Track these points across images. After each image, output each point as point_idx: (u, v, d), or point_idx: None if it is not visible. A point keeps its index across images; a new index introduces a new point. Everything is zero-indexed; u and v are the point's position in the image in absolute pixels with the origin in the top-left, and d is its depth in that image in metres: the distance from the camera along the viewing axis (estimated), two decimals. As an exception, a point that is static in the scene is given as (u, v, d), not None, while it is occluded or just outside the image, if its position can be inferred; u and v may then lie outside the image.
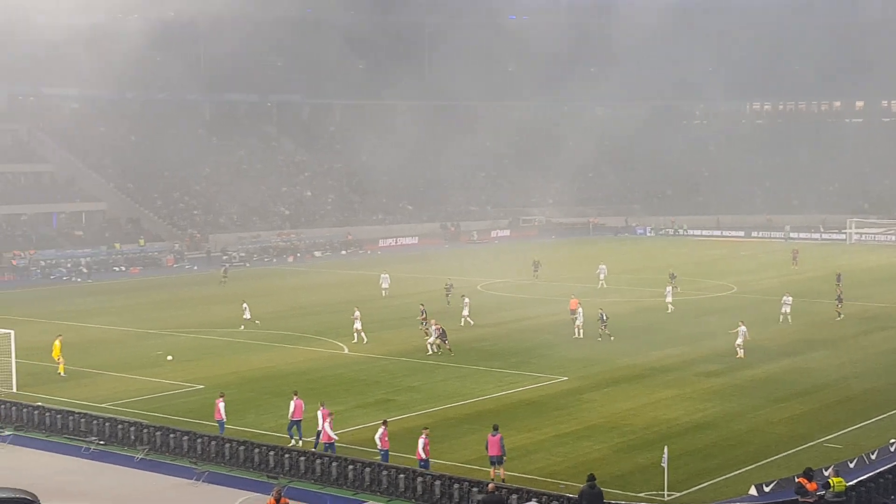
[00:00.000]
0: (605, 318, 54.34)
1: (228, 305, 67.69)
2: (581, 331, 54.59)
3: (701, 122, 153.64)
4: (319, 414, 34.13)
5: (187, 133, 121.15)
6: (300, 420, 35.15)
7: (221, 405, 35.81)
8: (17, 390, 42.42)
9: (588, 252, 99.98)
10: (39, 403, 38.86)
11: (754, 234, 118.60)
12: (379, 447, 32.05)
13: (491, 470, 31.17)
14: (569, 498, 28.11)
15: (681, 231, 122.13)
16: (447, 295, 65.19)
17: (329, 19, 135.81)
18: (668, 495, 29.98)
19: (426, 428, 32.59)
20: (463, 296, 61.04)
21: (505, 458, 31.34)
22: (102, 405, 40.29)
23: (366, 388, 43.65)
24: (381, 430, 32.28)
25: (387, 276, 72.05)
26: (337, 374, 46.37)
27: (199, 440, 33.88)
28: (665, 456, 29.83)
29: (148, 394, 42.36)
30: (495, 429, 31.69)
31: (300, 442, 34.66)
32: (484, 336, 55.36)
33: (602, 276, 74.65)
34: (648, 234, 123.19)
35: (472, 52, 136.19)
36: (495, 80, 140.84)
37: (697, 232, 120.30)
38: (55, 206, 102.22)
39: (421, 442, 31.29)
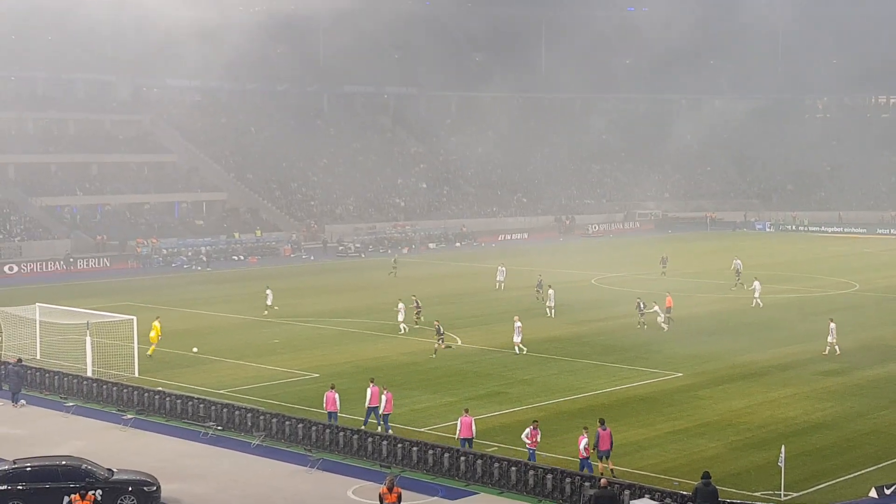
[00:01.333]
0: (643, 307, 55.36)
1: (345, 294, 68.43)
2: (666, 325, 54.51)
3: (823, 115, 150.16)
4: (369, 392, 35.30)
5: (306, 124, 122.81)
6: (377, 407, 35.38)
7: (334, 396, 36.07)
8: (139, 375, 43.46)
9: (709, 247, 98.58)
10: (160, 388, 39.75)
11: (879, 230, 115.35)
12: (528, 445, 31.82)
13: (599, 464, 30.95)
14: (682, 495, 27.74)
15: (801, 227, 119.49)
16: (538, 291, 64.11)
17: (445, 13, 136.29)
18: (785, 495, 29.40)
19: (536, 420, 32.68)
20: (549, 286, 60.86)
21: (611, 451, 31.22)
22: (220, 391, 41.04)
23: (478, 380, 43.67)
24: (528, 429, 31.99)
25: (503, 268, 71.81)
26: (449, 366, 46.48)
27: (313, 428, 34.29)
28: (782, 455, 29.27)
29: (264, 381, 43.02)
30: (602, 423, 31.44)
31: (389, 430, 34.76)
32: (598, 330, 54.95)
33: (738, 271, 72.35)
34: (768, 230, 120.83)
35: (589, 44, 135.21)
36: (611, 72, 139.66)
37: (819, 228, 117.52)
38: (177, 196, 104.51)
39: (527, 431, 31.62)
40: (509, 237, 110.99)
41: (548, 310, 59.03)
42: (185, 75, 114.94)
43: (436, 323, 50.39)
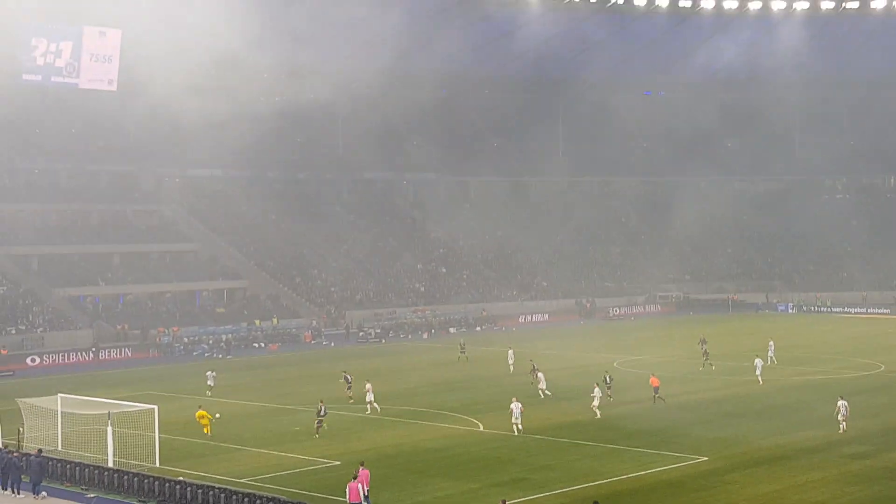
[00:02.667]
0: (609, 380, 57.58)
1: (362, 381, 68.16)
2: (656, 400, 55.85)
3: (843, 196, 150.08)
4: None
5: (325, 211, 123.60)
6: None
7: (357, 487, 35.73)
8: (160, 465, 43.23)
9: (730, 328, 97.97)
10: (181, 478, 39.50)
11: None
12: None
13: None
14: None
15: (824, 308, 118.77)
16: (608, 387, 59.73)
17: (464, 99, 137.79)
18: (816, 582, 28.85)
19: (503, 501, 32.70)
20: (538, 371, 61.23)
21: None
22: (241, 480, 40.73)
23: (501, 466, 43.24)
24: None
25: (512, 351, 71.75)
26: (472, 452, 46.09)
27: (335, 517, 33.95)
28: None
29: (285, 469, 42.68)
30: None
31: None
32: (622, 414, 54.45)
33: (771, 353, 72.51)
34: (790, 311, 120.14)
35: (607, 128, 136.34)
36: (630, 155, 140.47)
37: (842, 308, 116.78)
38: (198, 284, 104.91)
39: None
40: (530, 321, 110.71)
41: (541, 392, 58.87)
42: (205, 165, 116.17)
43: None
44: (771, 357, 72.28)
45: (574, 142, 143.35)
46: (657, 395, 56.53)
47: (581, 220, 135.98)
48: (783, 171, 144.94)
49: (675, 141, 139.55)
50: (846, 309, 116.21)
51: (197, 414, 49.88)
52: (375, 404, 55.94)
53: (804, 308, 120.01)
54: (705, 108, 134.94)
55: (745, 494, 38.23)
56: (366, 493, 35.90)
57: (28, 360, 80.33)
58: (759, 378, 63.99)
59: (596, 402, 53.68)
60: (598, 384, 55.14)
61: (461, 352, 78.24)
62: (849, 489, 38.91)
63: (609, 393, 56.80)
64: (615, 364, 73.46)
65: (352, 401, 57.57)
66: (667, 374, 68.94)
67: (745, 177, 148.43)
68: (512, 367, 69.96)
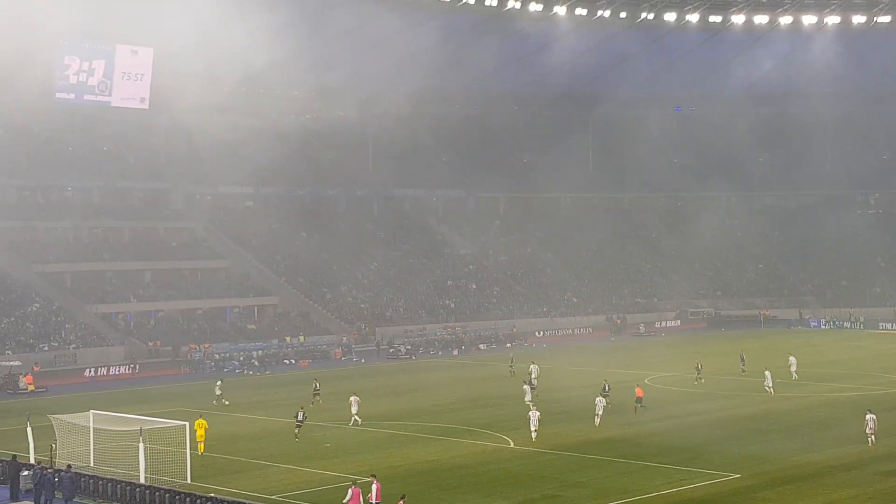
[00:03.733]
0: (607, 389, 60.31)
1: (396, 397, 68.22)
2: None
3: (875, 210, 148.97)
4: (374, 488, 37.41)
5: (356, 228, 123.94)
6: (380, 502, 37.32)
7: (358, 491, 36.86)
8: (192, 481, 43.36)
9: (763, 345, 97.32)
10: (212, 495, 39.60)
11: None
12: None
13: None
14: None
15: (858, 324, 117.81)
16: (606, 396, 61.12)
17: (494, 115, 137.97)
18: None
19: None
20: (529, 383, 64.96)
21: None
22: (272, 497, 40.81)
23: (532, 483, 43.12)
24: None
25: (535, 366, 71.61)
26: (502, 469, 45.98)
27: (365, 534, 33.95)
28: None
29: (316, 486, 42.68)
30: None
31: None
32: (653, 431, 54.22)
33: (793, 368, 73.18)
34: (823, 327, 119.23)
35: (637, 143, 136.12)
36: (660, 171, 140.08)
37: (875, 324, 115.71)
38: (229, 301, 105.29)
39: None
40: (559, 336, 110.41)
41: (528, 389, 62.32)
42: (236, 182, 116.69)
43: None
44: (793, 373, 72.50)
45: (604, 157, 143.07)
46: (639, 405, 58.84)
47: (611, 236, 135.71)
48: (815, 185, 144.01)
49: (705, 156, 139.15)
50: (881, 325, 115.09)
51: (196, 423, 48.95)
52: (358, 418, 57.09)
53: (836, 324, 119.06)
54: (736, 124, 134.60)
55: (779, 512, 37.97)
56: None
57: (60, 376, 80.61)
58: (771, 389, 65.18)
59: (599, 411, 55.76)
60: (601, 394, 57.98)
61: (510, 366, 77.55)
62: (883, 507, 38.59)
63: (608, 401, 58.12)
64: (646, 381, 73.15)
65: (313, 404, 61.49)
66: (698, 391, 68.70)
67: (776, 191, 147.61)
68: (534, 381, 69.57)
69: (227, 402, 65.71)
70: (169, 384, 79.26)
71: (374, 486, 37.70)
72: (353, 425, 56.69)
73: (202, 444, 48.56)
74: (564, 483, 43.07)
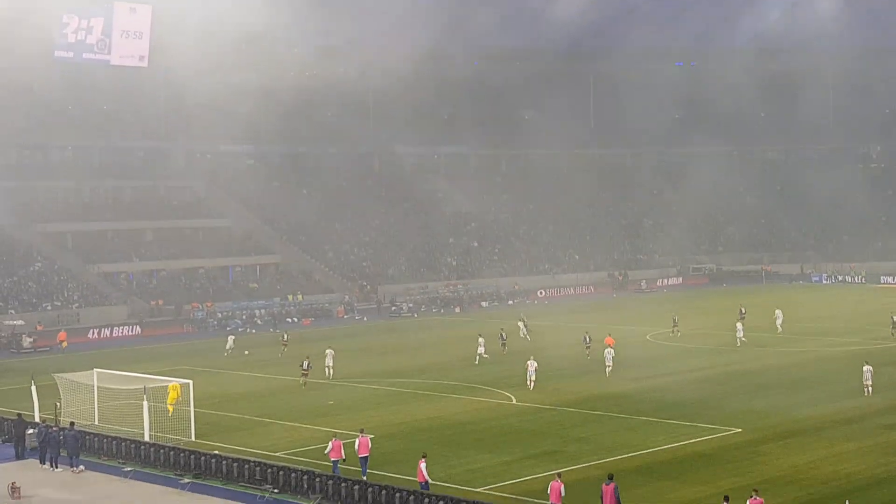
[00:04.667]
0: (588, 340, 63.63)
1: (398, 354, 68.41)
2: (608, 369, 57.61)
3: (878, 165, 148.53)
4: (358, 442, 37.98)
5: (357, 186, 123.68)
6: (367, 456, 37.91)
7: (339, 444, 37.75)
8: (196, 439, 43.57)
9: (764, 300, 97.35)
10: (216, 452, 39.82)
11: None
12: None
13: None
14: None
15: (859, 278, 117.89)
16: (587, 347, 63.81)
17: (495, 71, 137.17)
18: (851, 553, 28.77)
19: (559, 475, 32.83)
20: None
21: None
22: (276, 454, 41.02)
23: (533, 439, 43.31)
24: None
25: (522, 324, 73.66)
26: (504, 425, 46.18)
27: (369, 490, 34.14)
28: (847, 511, 28.69)
29: (319, 443, 42.77)
30: (610, 478, 31.13)
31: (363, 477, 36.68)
32: (655, 386, 54.41)
33: (779, 321, 74.47)
34: (825, 282, 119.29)
35: (638, 99, 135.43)
36: (662, 127, 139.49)
37: (877, 278, 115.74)
38: (231, 260, 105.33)
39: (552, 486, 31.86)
40: (562, 294, 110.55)
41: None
42: (237, 140, 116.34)
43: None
44: (778, 325, 74.10)
45: (605, 113, 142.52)
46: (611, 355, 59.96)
47: (613, 193, 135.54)
48: (817, 139, 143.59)
49: (706, 111, 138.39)
50: (883, 279, 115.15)
51: (170, 387, 47.27)
52: (331, 370, 58.92)
53: (838, 278, 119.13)
54: (738, 78, 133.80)
55: (779, 465, 38.13)
56: (348, 460, 37.79)
57: (62, 335, 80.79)
58: (739, 340, 67.97)
59: (609, 363, 57.67)
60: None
61: (526, 331, 74.31)
62: (884, 459, 38.72)
63: (588, 352, 62.28)
64: (647, 337, 73.34)
65: (281, 355, 64.87)
66: (700, 346, 68.88)
67: (778, 146, 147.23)
68: (525, 336, 71.42)
69: (247, 353, 69.85)
70: (172, 343, 79.48)
71: (358, 440, 38.16)
72: (329, 376, 58.27)
73: (171, 407, 48.20)
74: (566, 438, 43.27)
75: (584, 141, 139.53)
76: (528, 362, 54.85)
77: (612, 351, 58.49)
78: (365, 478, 36.68)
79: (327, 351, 60.07)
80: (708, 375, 57.69)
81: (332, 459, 37.70)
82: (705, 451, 40.63)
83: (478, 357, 63.92)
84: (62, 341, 75.98)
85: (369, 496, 33.97)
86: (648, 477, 36.72)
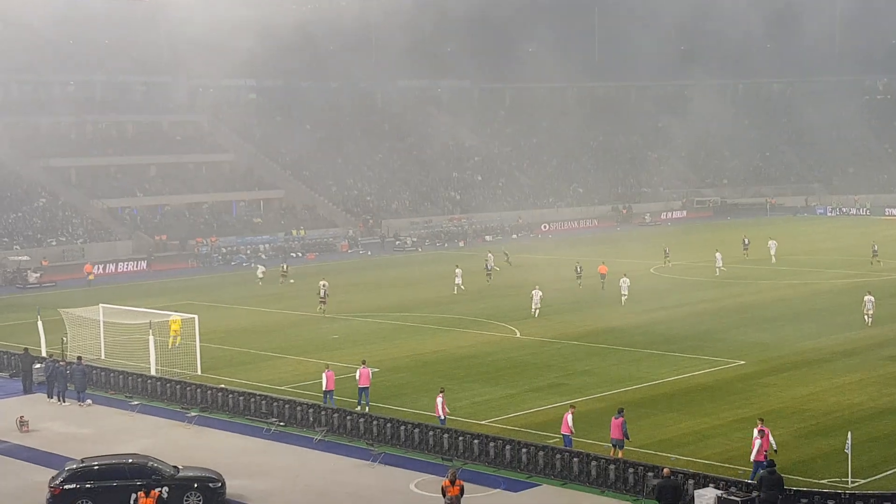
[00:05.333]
0: (580, 270, 66.16)
1: (402, 289, 68.61)
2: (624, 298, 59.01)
3: (884, 96, 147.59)
4: (359, 373, 38.19)
5: (360, 120, 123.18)
6: (367, 387, 38.08)
7: (332, 374, 38.28)
8: (202, 373, 43.87)
9: (768, 233, 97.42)
10: (223, 385, 40.11)
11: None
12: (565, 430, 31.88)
13: (611, 451, 30.92)
14: (748, 484, 27.49)
15: (863, 210, 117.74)
16: (578, 277, 66.41)
17: (497, 3, 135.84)
18: (852, 482, 29.01)
19: (573, 406, 32.89)
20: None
21: (627, 440, 31.19)
22: (282, 388, 41.30)
23: (538, 372, 43.55)
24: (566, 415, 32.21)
25: (491, 255, 74.27)
26: (509, 358, 46.43)
27: (374, 422, 34.41)
28: (849, 442, 28.89)
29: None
30: (619, 411, 31.38)
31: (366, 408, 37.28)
32: (658, 319, 54.59)
33: (772, 251, 76.45)
34: (829, 214, 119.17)
35: (642, 31, 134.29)
36: (666, 59, 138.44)
37: (882, 210, 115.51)
38: (235, 195, 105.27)
39: (568, 418, 31.93)
40: (565, 227, 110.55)
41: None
42: (239, 75, 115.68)
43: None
44: (772, 255, 75.83)
45: (610, 46, 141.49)
46: (604, 282, 63.70)
47: (617, 126, 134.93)
48: (822, 71, 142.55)
49: (711, 43, 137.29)
50: (887, 211, 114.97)
51: (171, 320, 48.84)
52: (324, 303, 59.62)
53: (843, 211, 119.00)
54: (743, 9, 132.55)
55: (782, 397, 38.36)
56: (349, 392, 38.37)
57: (70, 270, 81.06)
58: (718, 269, 69.80)
59: (624, 291, 59.19)
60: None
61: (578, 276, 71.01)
62: (886, 390, 38.95)
63: (579, 283, 65.01)
64: (651, 270, 73.47)
65: (324, 312, 58.97)
66: (704, 279, 69.00)
67: (784, 78, 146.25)
68: (489, 276, 70.39)
69: (292, 281, 72.81)
70: (177, 278, 79.71)
71: (359, 371, 38.39)
72: (319, 310, 59.00)
73: (172, 340, 48.61)
74: (570, 371, 43.51)
75: (588, 74, 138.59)
76: (534, 291, 56.16)
77: (628, 280, 59.79)
78: (367, 409, 36.99)
79: (321, 283, 60.94)
80: (711, 308, 57.86)
81: (325, 391, 38.09)
82: (709, 384, 40.86)
83: (456, 287, 65.48)
84: (89, 273, 76.72)
85: (374, 428, 34.25)
86: (652, 409, 36.97)
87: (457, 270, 66.64)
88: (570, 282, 66.65)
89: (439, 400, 34.65)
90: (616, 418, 31.03)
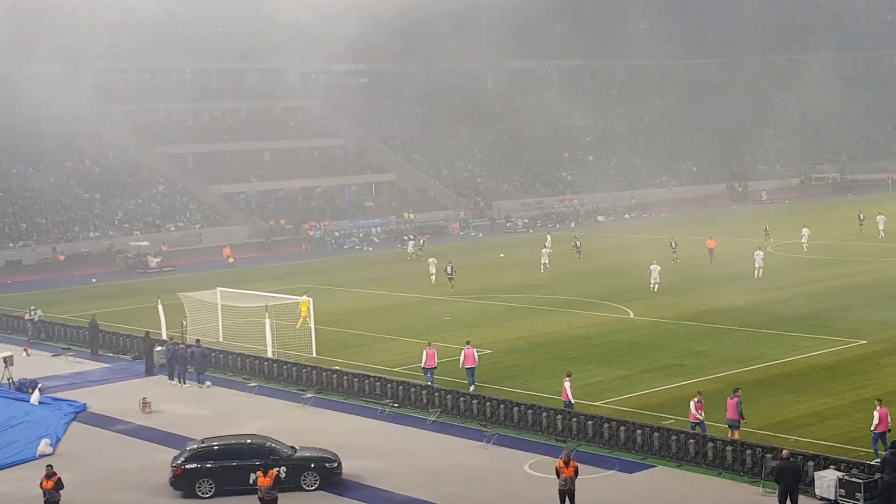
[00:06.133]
0: (674, 245, 67.41)
1: (514, 270, 68.53)
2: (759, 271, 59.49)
3: None
4: (425, 354, 38.55)
5: (469, 102, 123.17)
6: (433, 367, 38.55)
7: (433, 352, 38.60)
8: (317, 355, 44.40)
9: (879, 209, 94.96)
10: (337, 367, 40.55)
11: None
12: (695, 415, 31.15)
13: (728, 432, 30.32)
14: (870, 465, 26.83)
15: None
16: (673, 252, 67.29)
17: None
18: (981, 466, 28.05)
19: (699, 392, 32.00)
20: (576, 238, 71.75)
21: (743, 421, 30.54)
22: (395, 369, 41.59)
23: (652, 353, 43.10)
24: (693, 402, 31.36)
25: (503, 255, 74.76)
26: (622, 339, 46.03)
27: (488, 404, 34.44)
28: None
29: (438, 358, 43.28)
30: (735, 391, 30.82)
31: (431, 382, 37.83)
32: (776, 299, 53.57)
33: (881, 227, 75.76)
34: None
35: (759, 4, 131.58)
36: (785, 34, 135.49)
37: None
38: (347, 179, 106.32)
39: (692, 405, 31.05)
40: (680, 207, 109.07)
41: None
42: (349, 59, 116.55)
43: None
44: (880, 231, 75.28)
45: (722, 22, 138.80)
46: (712, 257, 65.32)
47: (731, 103, 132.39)
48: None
49: (829, 17, 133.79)
50: None
51: (301, 302, 49.12)
52: (433, 278, 62.95)
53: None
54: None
55: (906, 378, 37.38)
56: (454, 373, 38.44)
57: (186, 254, 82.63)
58: (804, 245, 70.33)
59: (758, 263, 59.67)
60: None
61: (673, 252, 69.69)
62: None
63: (675, 257, 66.08)
64: (768, 248, 72.13)
65: (453, 287, 60.90)
66: (823, 257, 67.51)
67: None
68: (543, 267, 68.06)
69: (502, 255, 75.50)
70: (291, 261, 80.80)
71: (463, 352, 38.52)
72: (434, 283, 62.35)
73: (301, 321, 49.27)
74: (685, 352, 42.95)
75: (701, 50, 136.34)
76: (652, 266, 57.12)
77: (762, 253, 60.48)
78: (472, 388, 37.04)
79: (430, 260, 64.80)
80: (830, 287, 56.57)
81: (425, 367, 38.48)
82: (828, 364, 39.97)
83: (542, 266, 66.68)
84: (228, 256, 78.54)
85: (487, 410, 34.28)
86: (769, 389, 36.31)
87: (543, 250, 68.75)
88: (685, 261, 65.79)
89: (567, 385, 34.29)
90: (731, 398, 30.57)
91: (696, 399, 31.22)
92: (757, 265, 59.68)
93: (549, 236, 72.90)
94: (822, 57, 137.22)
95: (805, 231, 73.05)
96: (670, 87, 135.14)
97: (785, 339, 44.21)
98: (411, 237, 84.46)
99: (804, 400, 35.09)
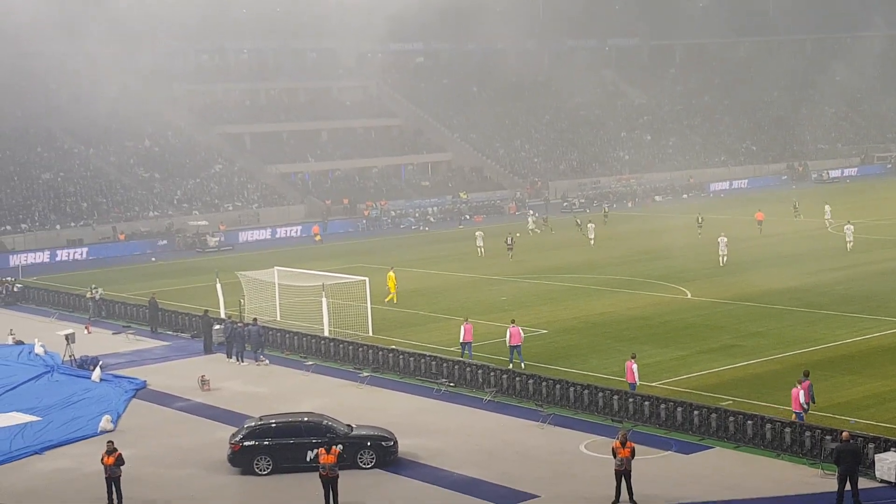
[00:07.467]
0: (700, 221, 69.17)
1: (570, 250, 68.28)
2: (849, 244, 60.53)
3: None
4: (463, 329, 39.38)
5: (528, 80, 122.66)
6: (470, 342, 39.46)
7: (470, 327, 39.14)
8: (373, 334, 44.55)
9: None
10: (393, 346, 40.67)
11: None
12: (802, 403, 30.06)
13: (793, 417, 29.73)
14: (932, 450, 26.45)
15: None
16: (699, 227, 69.32)
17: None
18: None
19: (806, 373, 30.81)
20: (590, 221, 71.95)
21: (812, 404, 30.11)
22: (451, 349, 41.61)
23: (710, 334, 42.75)
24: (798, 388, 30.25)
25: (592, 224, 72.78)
26: (679, 319, 45.70)
27: (543, 383, 34.39)
28: None
29: (493, 338, 43.23)
30: (805, 375, 30.33)
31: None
32: (836, 280, 52.92)
33: None
34: None
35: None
36: (846, 11, 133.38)
37: None
38: (403, 159, 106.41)
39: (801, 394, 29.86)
40: (739, 186, 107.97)
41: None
42: (406, 39, 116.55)
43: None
44: None
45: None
46: (761, 228, 68.09)
47: (792, 81, 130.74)
48: None
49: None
50: None
51: (389, 276, 52.09)
52: (482, 250, 66.25)
53: None
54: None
55: (970, 360, 36.77)
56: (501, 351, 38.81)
57: (246, 234, 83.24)
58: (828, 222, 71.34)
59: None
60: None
61: (699, 224, 71.11)
62: None
63: (699, 232, 67.65)
64: (828, 228, 71.26)
65: (511, 257, 64.33)
66: (885, 237, 66.57)
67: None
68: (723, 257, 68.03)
69: (553, 231, 78.04)
70: (347, 241, 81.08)
71: (509, 330, 38.57)
72: (480, 255, 65.72)
73: (391, 295, 51.08)
74: (743, 333, 42.55)
75: (763, 28, 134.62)
76: (720, 238, 58.15)
77: (853, 227, 62.20)
78: (522, 366, 37.41)
79: (477, 233, 68.45)
80: (891, 267, 55.74)
81: (462, 342, 39.30)
82: (889, 346, 39.43)
83: (591, 241, 68.98)
84: (316, 234, 79.46)
85: (544, 390, 34.23)
86: (829, 371, 35.89)
87: (589, 225, 70.63)
88: (743, 241, 65.18)
89: (634, 367, 33.78)
90: (796, 388, 29.81)
91: (802, 383, 29.81)
92: (848, 238, 61.38)
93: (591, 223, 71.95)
94: (885, 34, 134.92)
95: (827, 208, 75.29)
96: (729, 65, 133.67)
97: (845, 320, 43.66)
98: (533, 211, 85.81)
99: (864, 382, 34.65)
